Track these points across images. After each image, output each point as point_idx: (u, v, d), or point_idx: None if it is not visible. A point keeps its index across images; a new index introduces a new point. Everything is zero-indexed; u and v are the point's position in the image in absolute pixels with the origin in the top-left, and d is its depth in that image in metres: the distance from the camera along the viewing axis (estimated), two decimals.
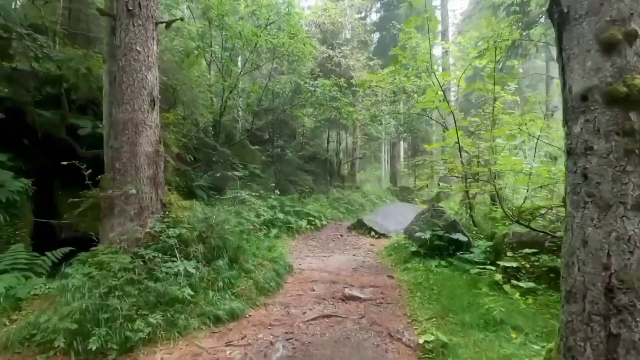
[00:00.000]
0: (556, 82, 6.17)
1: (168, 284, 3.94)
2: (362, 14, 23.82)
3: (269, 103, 13.81)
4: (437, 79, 6.87)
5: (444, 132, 13.85)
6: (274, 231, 8.76)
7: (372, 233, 9.21)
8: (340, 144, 18.52)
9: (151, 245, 4.50)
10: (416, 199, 23.70)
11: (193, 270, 4.26)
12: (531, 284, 4.21)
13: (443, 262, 5.84)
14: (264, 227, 8.82)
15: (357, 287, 5.25)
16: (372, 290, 5.07)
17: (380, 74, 7.79)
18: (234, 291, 4.48)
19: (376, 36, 25.34)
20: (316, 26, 15.28)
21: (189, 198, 7.03)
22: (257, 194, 10.92)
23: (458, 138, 7.04)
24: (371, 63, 14.23)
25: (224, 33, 8.77)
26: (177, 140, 8.01)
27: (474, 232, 6.50)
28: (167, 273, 4.04)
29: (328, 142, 15.91)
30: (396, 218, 10.11)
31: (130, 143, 4.71)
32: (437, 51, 23.68)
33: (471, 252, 5.82)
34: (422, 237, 6.20)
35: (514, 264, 4.53)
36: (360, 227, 9.78)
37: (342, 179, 18.65)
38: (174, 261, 4.36)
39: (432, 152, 28.07)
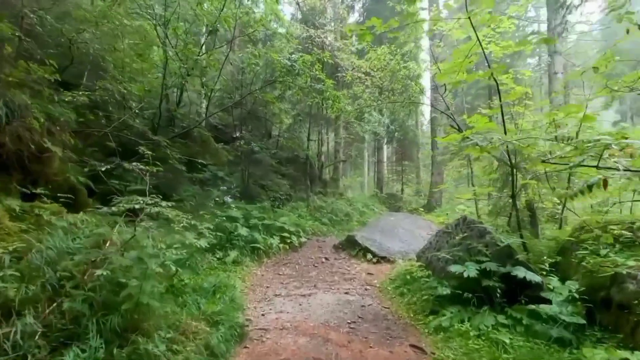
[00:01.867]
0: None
1: None
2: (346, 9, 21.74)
3: (235, 87, 11.27)
4: (473, 28, 4.59)
5: (449, 128, 11.72)
6: (232, 254, 6.20)
7: (369, 256, 6.77)
8: (322, 145, 16.17)
9: None
10: (405, 208, 21.65)
11: None
12: None
13: (502, 318, 3.48)
14: (218, 250, 6.26)
15: None
16: None
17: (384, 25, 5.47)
18: None
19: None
20: (294, 3, 12.97)
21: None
22: (215, 202, 8.36)
23: (503, 117, 4.77)
24: (361, 46, 11.98)
25: None
26: (84, 121, 5.40)
27: (543, 264, 4.17)
28: None
29: (308, 139, 13.47)
30: (399, 234, 7.75)
31: None
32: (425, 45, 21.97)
33: (547, 301, 3.49)
34: (463, 273, 3.81)
35: None
36: (352, 247, 7.34)
37: (324, 184, 16.23)
38: None
39: (419, 157, 26.27)
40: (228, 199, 7.70)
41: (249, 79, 10.79)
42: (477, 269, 3.79)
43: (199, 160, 10.39)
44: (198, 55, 8.29)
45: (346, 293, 5.11)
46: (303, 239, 8.02)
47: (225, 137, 12.47)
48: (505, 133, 4.77)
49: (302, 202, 12.84)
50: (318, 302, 4.67)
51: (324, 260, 6.79)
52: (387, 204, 21.41)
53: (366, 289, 5.29)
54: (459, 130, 8.21)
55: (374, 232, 7.87)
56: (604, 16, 14.11)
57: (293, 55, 8.09)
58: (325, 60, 8.78)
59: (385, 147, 25.27)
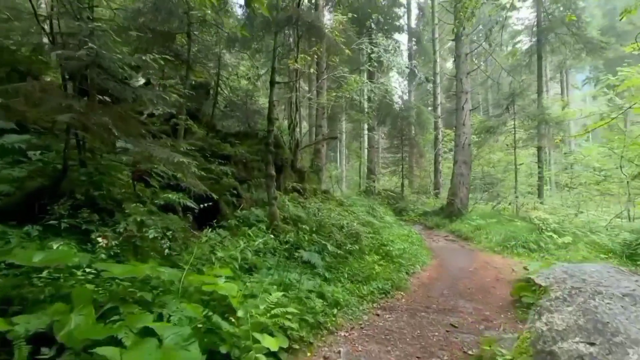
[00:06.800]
0: None
1: None
2: None
3: None
4: None
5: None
6: None
7: None
8: (297, 110, 9.42)
9: None
10: (410, 210, 15.52)
11: None
12: None
13: None
14: None
15: None
16: None
17: None
18: None
19: None
20: None
21: None
22: None
23: None
24: None
25: None
26: None
27: None
28: None
29: (272, 84, 6.56)
30: None
31: None
32: None
33: None
34: None
35: None
36: None
37: (300, 177, 9.63)
38: None
39: (418, 143, 20.19)
40: None
41: None
42: None
43: None
44: None
45: None
46: None
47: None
48: None
49: (260, 211, 6.34)
50: None
51: None
52: (386, 204, 15.25)
53: None
54: None
55: None
56: None
57: None
58: None
59: (377, 128, 18.96)
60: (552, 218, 8.22)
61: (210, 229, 4.39)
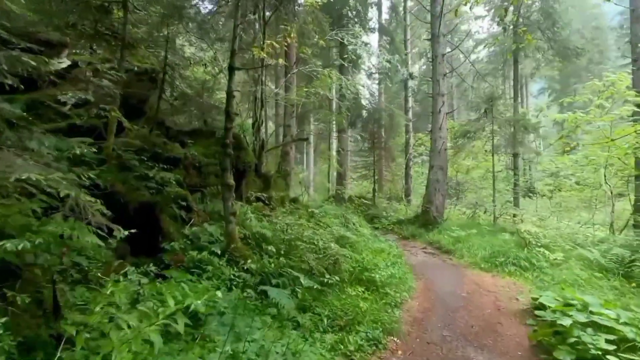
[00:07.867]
0: None
1: None
2: None
3: None
4: None
5: None
6: None
7: None
8: (262, 106, 8.08)
9: None
10: (383, 217, 14.69)
11: None
12: None
13: None
14: None
15: None
16: None
17: None
18: None
19: None
20: None
21: None
22: None
23: None
24: None
25: None
26: None
27: None
28: None
29: (231, 71, 5.24)
30: None
31: None
32: None
33: None
34: None
35: None
36: None
37: (266, 183, 8.35)
38: None
39: (390, 147, 19.56)
40: None
41: None
42: None
43: None
44: None
45: None
46: None
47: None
48: None
49: (215, 227, 5.03)
50: None
51: None
52: (358, 212, 14.28)
53: None
54: None
55: None
56: None
57: None
58: None
59: (347, 130, 18.04)
60: (541, 232, 7.62)
61: (133, 268, 3.06)
